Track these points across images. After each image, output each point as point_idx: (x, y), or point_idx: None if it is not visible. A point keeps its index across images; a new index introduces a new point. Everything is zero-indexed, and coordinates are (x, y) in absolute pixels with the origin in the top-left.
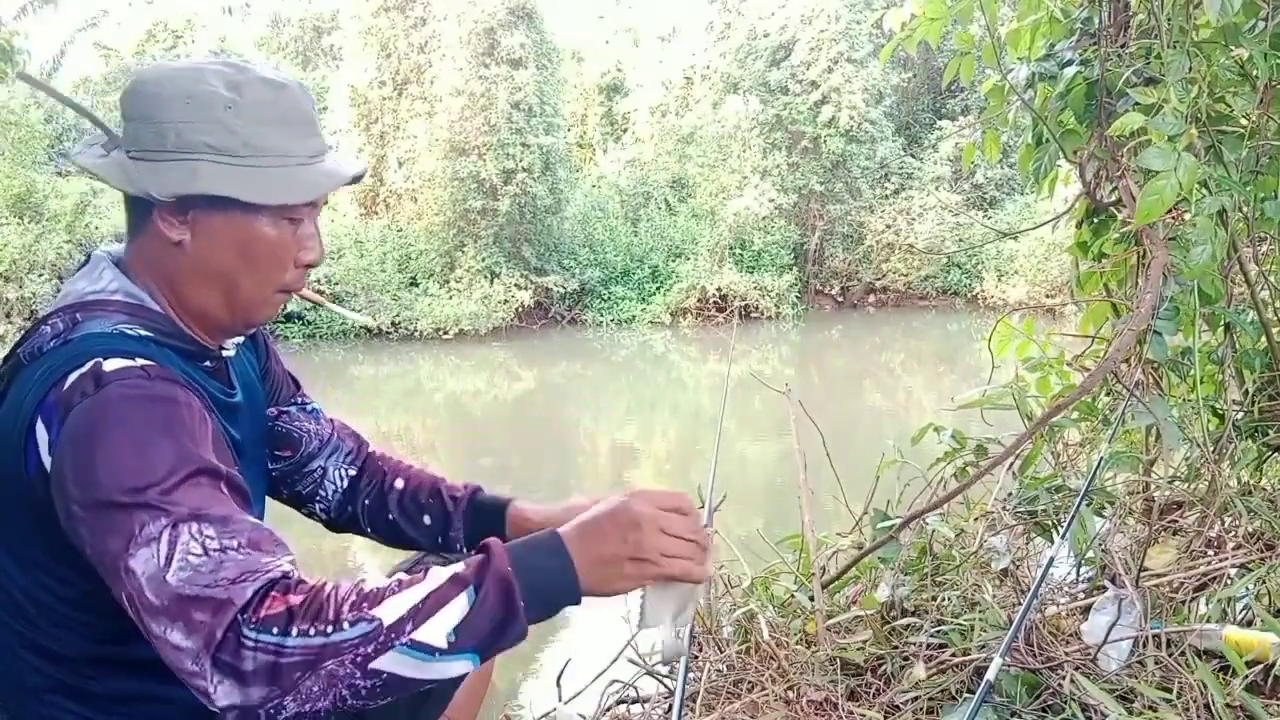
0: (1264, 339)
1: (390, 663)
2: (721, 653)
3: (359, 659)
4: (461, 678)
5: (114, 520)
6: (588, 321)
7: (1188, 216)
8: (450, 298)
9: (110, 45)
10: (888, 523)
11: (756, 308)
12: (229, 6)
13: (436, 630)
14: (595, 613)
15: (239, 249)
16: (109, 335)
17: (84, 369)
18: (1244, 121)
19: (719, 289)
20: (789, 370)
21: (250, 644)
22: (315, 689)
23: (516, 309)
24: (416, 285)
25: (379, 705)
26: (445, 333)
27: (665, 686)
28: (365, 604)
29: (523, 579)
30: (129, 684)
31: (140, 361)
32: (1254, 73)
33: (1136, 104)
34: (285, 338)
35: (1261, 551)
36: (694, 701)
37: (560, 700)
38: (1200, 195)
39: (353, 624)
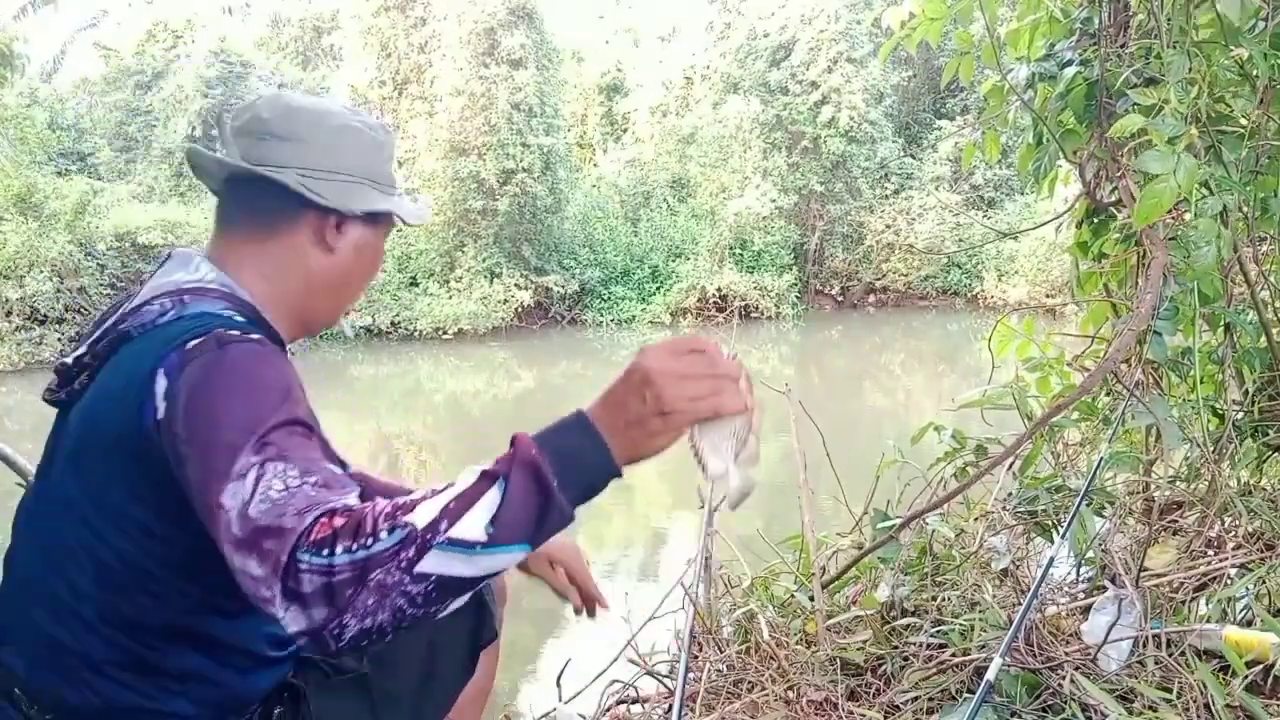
0: (1264, 339)
1: (434, 563)
2: (721, 653)
3: (403, 564)
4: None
5: (215, 459)
6: (588, 321)
7: (1188, 217)
8: (450, 298)
9: (110, 45)
10: (888, 523)
11: (756, 308)
12: (229, 6)
13: (473, 525)
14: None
15: (370, 261)
16: (220, 314)
17: (205, 336)
18: (1244, 121)
19: (719, 289)
20: (789, 370)
21: (305, 567)
22: (370, 602)
23: (516, 309)
24: (416, 285)
25: (444, 612)
26: (445, 333)
27: (665, 686)
28: (399, 513)
29: (552, 460)
30: (193, 661)
31: (255, 335)
32: (1254, 73)
33: (1136, 104)
34: None
35: (1261, 551)
36: (694, 701)
37: (560, 700)
38: (1201, 196)
39: (389, 532)
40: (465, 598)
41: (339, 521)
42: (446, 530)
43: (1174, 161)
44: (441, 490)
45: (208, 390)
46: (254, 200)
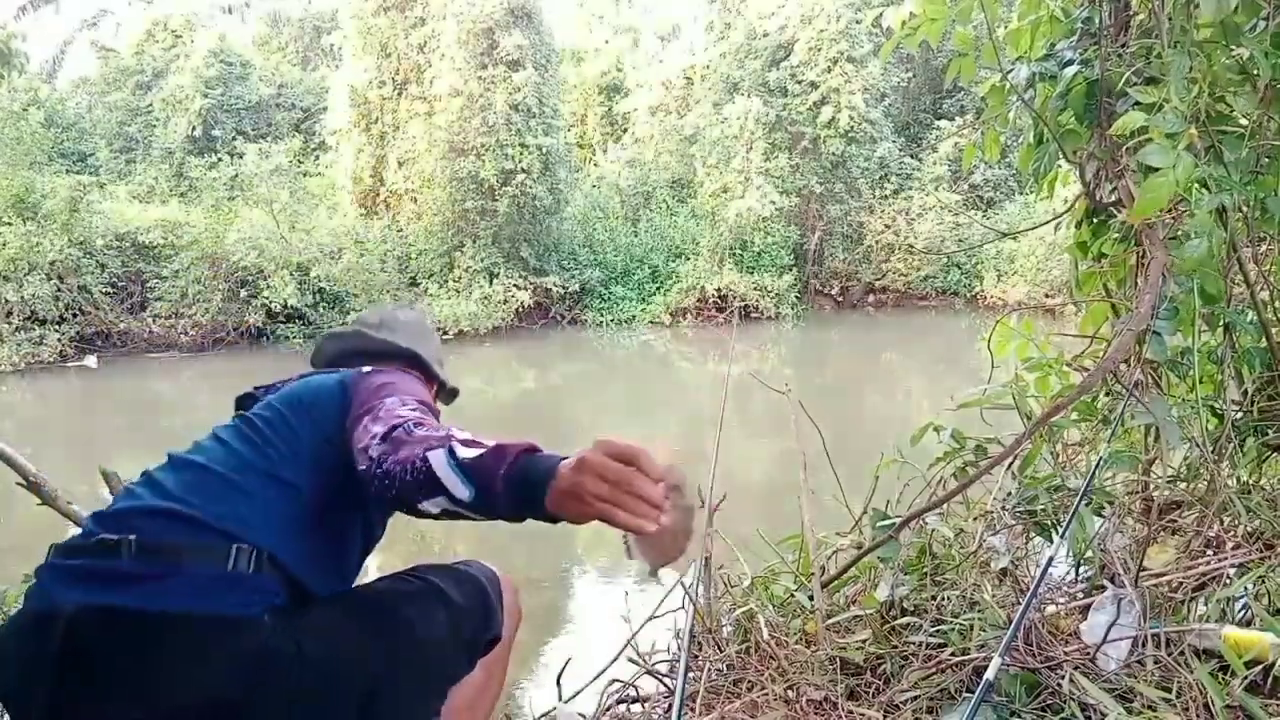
0: (1264, 339)
1: (436, 457)
2: (721, 652)
3: (428, 445)
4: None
5: (390, 392)
6: (588, 321)
7: (1187, 216)
8: (449, 298)
9: (109, 45)
10: (887, 522)
11: (756, 308)
12: (229, 6)
13: (463, 452)
14: (595, 613)
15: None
16: None
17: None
18: (1244, 121)
19: (719, 289)
20: (789, 370)
21: (402, 429)
22: (403, 454)
23: (516, 309)
24: (416, 285)
25: (420, 497)
26: (445, 333)
27: (665, 686)
28: (451, 429)
29: (516, 468)
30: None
31: None
32: (1254, 72)
33: (1137, 103)
34: (286, 338)
35: (1261, 551)
36: (694, 701)
37: (560, 699)
38: (1199, 195)
39: (437, 430)
40: (437, 500)
41: (434, 421)
42: (455, 445)
43: (1174, 157)
44: (475, 440)
45: (398, 380)
46: (392, 367)
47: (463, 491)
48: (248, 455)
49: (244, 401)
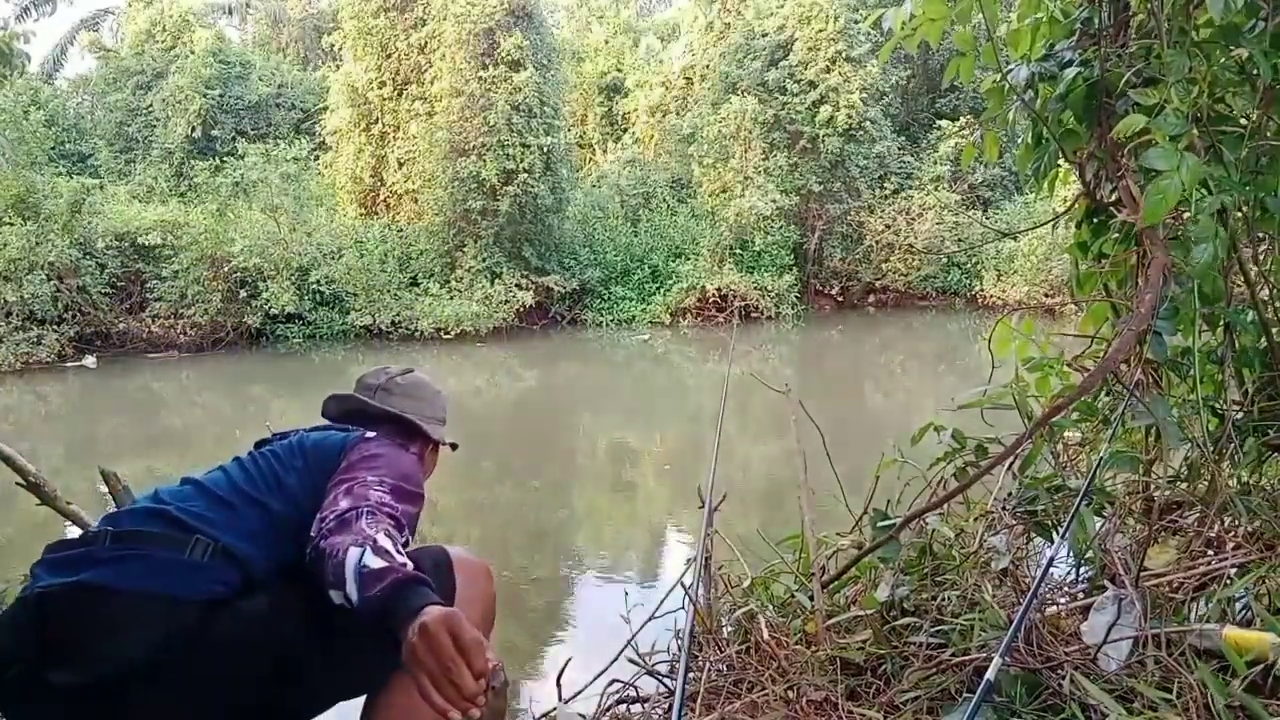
0: (1264, 339)
1: (352, 554)
2: (721, 652)
3: (355, 541)
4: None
5: (373, 468)
6: (588, 321)
7: (1187, 216)
8: (451, 298)
9: (108, 45)
10: (887, 522)
11: (756, 308)
12: (229, 6)
13: (370, 561)
14: (595, 613)
15: (431, 470)
16: None
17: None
18: (1244, 121)
19: (719, 289)
20: (789, 370)
21: (358, 514)
22: (335, 539)
23: (517, 309)
24: (417, 285)
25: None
26: (446, 333)
27: (665, 686)
28: (384, 530)
29: (388, 595)
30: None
31: None
32: (1254, 72)
33: (1137, 104)
34: (285, 338)
35: (1261, 551)
36: (694, 701)
37: (560, 700)
38: (1200, 195)
39: (372, 525)
40: (338, 582)
41: (388, 520)
42: (369, 551)
43: (1178, 159)
44: (399, 550)
45: (394, 457)
46: (390, 430)
47: (351, 594)
48: (239, 481)
49: (260, 444)
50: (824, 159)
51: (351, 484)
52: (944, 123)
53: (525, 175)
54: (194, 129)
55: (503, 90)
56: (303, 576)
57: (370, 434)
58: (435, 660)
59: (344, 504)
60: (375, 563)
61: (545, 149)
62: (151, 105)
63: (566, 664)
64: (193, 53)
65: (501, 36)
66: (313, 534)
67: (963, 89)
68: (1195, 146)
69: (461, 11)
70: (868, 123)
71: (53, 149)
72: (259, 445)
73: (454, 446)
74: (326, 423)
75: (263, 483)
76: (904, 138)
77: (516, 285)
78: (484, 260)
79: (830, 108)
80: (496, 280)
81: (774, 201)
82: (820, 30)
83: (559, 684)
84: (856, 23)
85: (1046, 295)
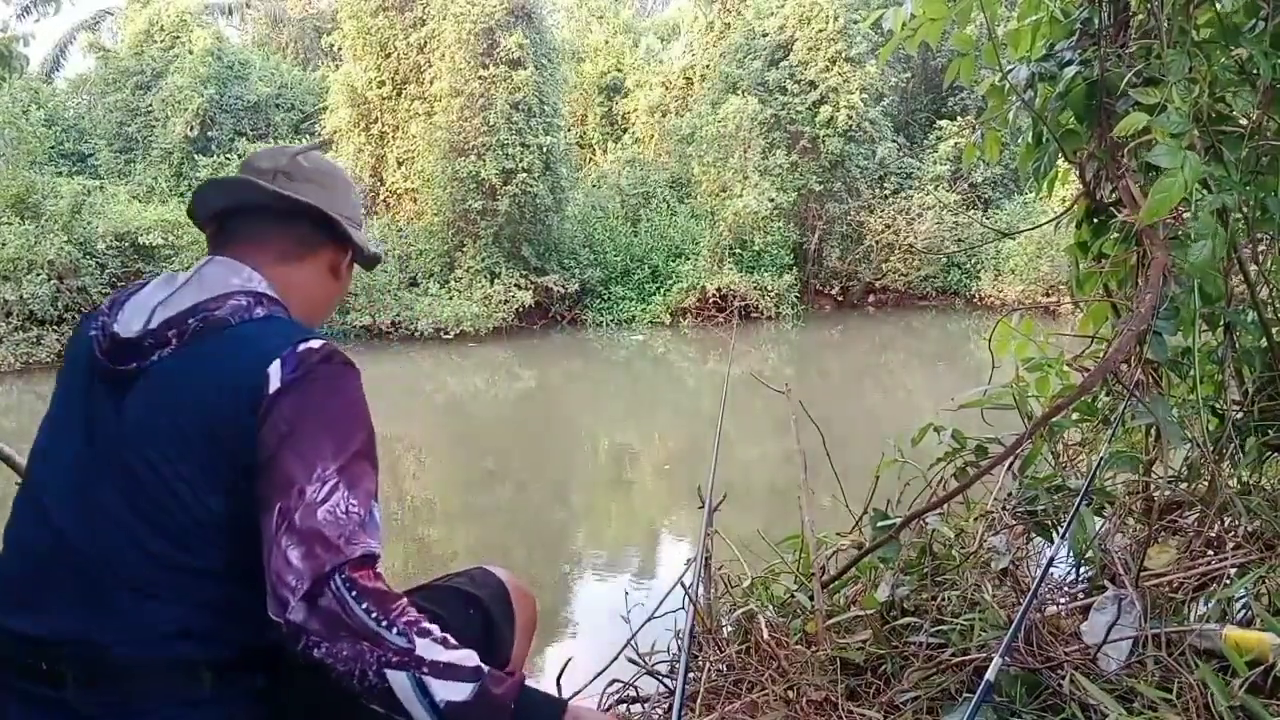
0: (1264, 338)
1: (397, 680)
2: (721, 652)
3: (384, 659)
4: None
5: (305, 455)
6: (588, 322)
7: (1186, 216)
8: (451, 298)
9: (107, 45)
10: (887, 523)
11: (756, 308)
12: (228, 6)
13: (442, 690)
14: (595, 613)
15: (345, 291)
16: (300, 325)
17: (316, 345)
18: (1244, 121)
19: (719, 289)
20: (789, 370)
21: (333, 590)
22: (344, 653)
23: (517, 309)
24: (417, 285)
25: (367, 702)
26: (446, 333)
27: (665, 686)
28: (416, 630)
29: (521, 709)
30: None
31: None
32: (1254, 72)
33: (1138, 104)
34: None
35: (1261, 551)
36: (694, 701)
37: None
38: (1200, 195)
39: (400, 633)
40: (385, 712)
41: (378, 584)
42: (426, 674)
43: (1181, 157)
44: (452, 646)
45: (324, 389)
46: (288, 230)
47: None
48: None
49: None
50: (824, 159)
51: (293, 514)
52: (944, 123)
53: (524, 175)
54: (193, 129)
55: (502, 89)
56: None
57: (290, 347)
58: None
59: (302, 569)
60: (448, 693)
61: (545, 148)
62: (151, 105)
63: (566, 664)
64: (191, 53)
65: (502, 36)
66: (282, 623)
67: (962, 89)
68: (1195, 146)
69: (461, 11)
70: (867, 123)
71: (53, 149)
72: (117, 360)
73: (377, 259)
74: (183, 281)
75: (140, 525)
76: (903, 138)
77: (516, 285)
78: (482, 260)
79: (830, 108)
80: (496, 280)
81: (771, 200)
82: (820, 30)
83: (559, 684)
84: (856, 23)
85: (1046, 295)
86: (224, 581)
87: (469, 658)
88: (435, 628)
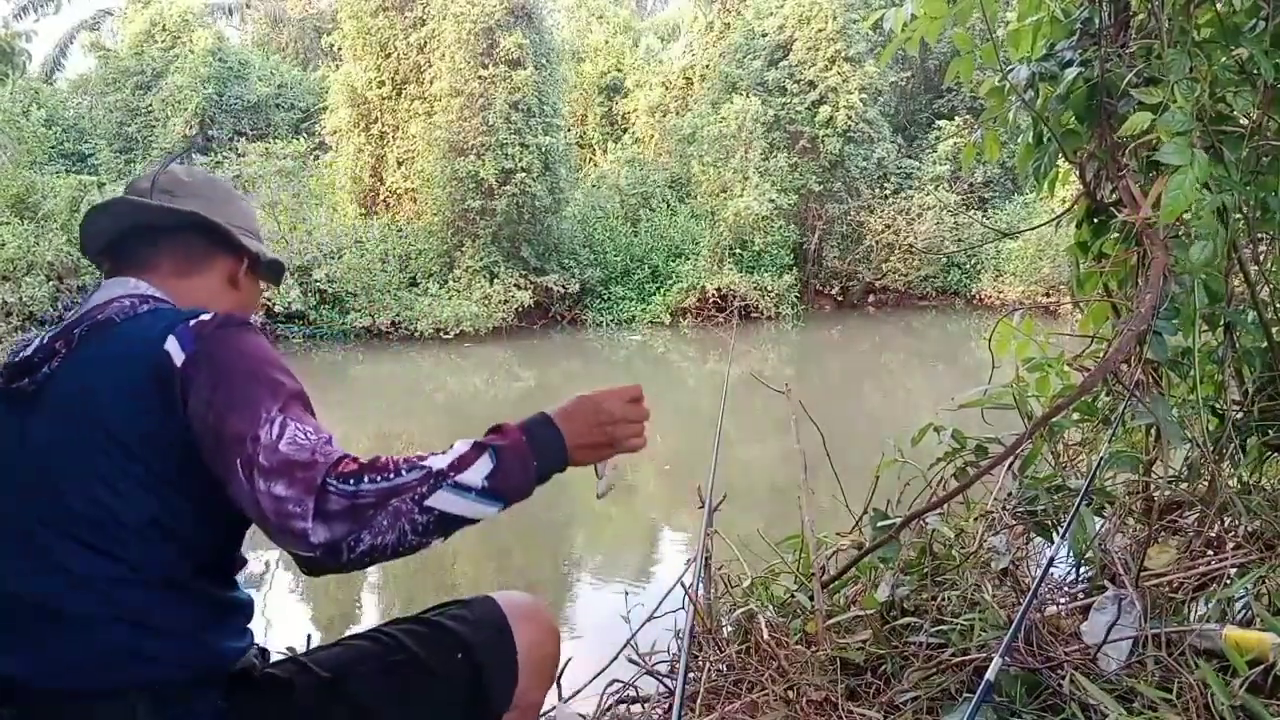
0: (1264, 338)
1: (440, 500)
2: (721, 653)
3: (417, 496)
4: None
5: (247, 403)
6: (588, 322)
7: (1187, 216)
8: (450, 298)
9: (108, 45)
10: (887, 523)
11: (756, 308)
12: (229, 6)
13: (473, 476)
14: (595, 613)
15: (253, 301)
16: (189, 310)
17: (208, 316)
18: (1244, 121)
19: (719, 289)
20: (788, 370)
21: (334, 491)
22: (384, 523)
23: (516, 309)
24: (416, 285)
25: (436, 542)
26: (445, 333)
27: (665, 686)
28: (416, 459)
29: (533, 443)
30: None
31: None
32: (1255, 72)
33: (1139, 104)
34: (285, 338)
35: (1261, 551)
36: (694, 701)
37: (560, 699)
38: (1201, 195)
39: (409, 470)
40: (451, 534)
41: (362, 460)
42: (454, 475)
43: (1190, 154)
44: (446, 451)
45: (234, 349)
46: (176, 245)
47: (490, 511)
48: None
49: (19, 371)
50: (824, 159)
51: (256, 464)
52: (943, 123)
53: (523, 175)
54: (192, 129)
55: (502, 89)
56: None
57: (180, 324)
58: (628, 420)
59: (291, 490)
60: (477, 474)
61: (544, 149)
62: (151, 105)
63: (566, 664)
64: (192, 52)
65: (501, 36)
66: (312, 553)
67: (961, 89)
68: (1196, 145)
69: (461, 11)
70: (866, 123)
71: (53, 149)
72: (17, 380)
73: (277, 267)
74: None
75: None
76: (903, 138)
77: (515, 285)
78: (481, 260)
79: (829, 108)
80: (495, 280)
81: (772, 201)
82: (819, 30)
83: (559, 684)
84: (855, 22)
85: (1045, 295)
86: (161, 592)
87: (465, 444)
88: (421, 452)
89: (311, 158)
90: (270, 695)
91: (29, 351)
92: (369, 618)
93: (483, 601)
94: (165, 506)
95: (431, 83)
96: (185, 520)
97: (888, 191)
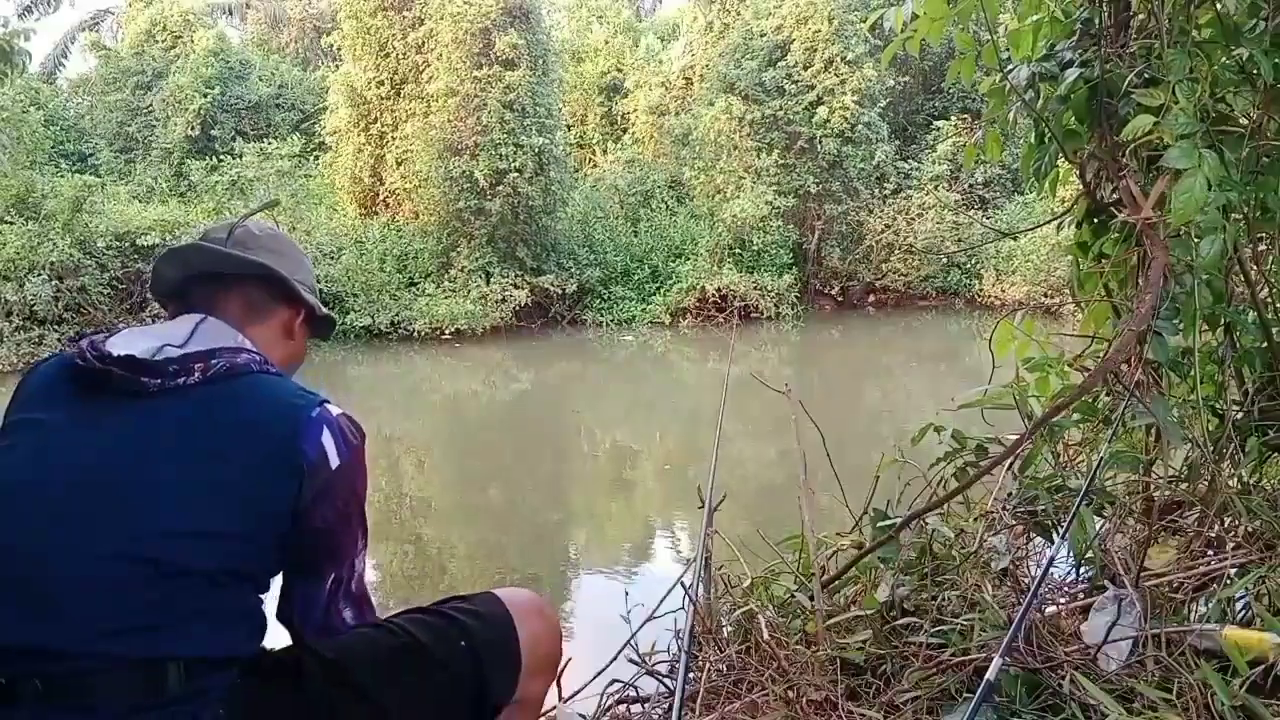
0: (1264, 339)
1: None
2: (721, 653)
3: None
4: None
5: (354, 532)
6: (588, 322)
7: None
8: (446, 298)
9: (108, 45)
10: (887, 523)
11: (756, 308)
12: (229, 6)
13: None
14: (595, 613)
15: (302, 352)
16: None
17: (346, 419)
18: (1244, 121)
19: (719, 289)
20: (789, 370)
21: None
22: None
23: (515, 309)
24: (415, 285)
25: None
26: (443, 333)
27: (665, 686)
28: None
29: None
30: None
31: None
32: (1255, 72)
33: (1139, 105)
34: None
35: (1261, 551)
36: (694, 701)
37: (560, 699)
38: (1204, 195)
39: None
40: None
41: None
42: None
43: (1197, 156)
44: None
45: (363, 475)
46: (244, 292)
47: None
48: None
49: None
50: (821, 159)
51: (346, 587)
52: (940, 123)
53: (516, 175)
54: (194, 129)
55: (496, 89)
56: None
57: (322, 412)
58: None
59: (349, 623)
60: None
61: (538, 150)
62: (151, 105)
63: (566, 664)
64: (193, 53)
65: (497, 36)
66: (320, 637)
67: (959, 88)
68: (1200, 147)
69: (458, 11)
70: (864, 125)
71: (53, 149)
72: (140, 376)
73: (330, 322)
74: (181, 339)
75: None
76: (901, 138)
77: (513, 285)
78: (476, 260)
79: (826, 108)
80: (491, 280)
81: (769, 202)
82: (817, 31)
83: (559, 684)
84: (852, 23)
85: (1046, 295)
86: (208, 586)
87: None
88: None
89: (311, 158)
90: (278, 678)
91: (153, 357)
92: None
93: (485, 596)
94: (249, 525)
95: (429, 83)
96: (257, 541)
97: (887, 191)
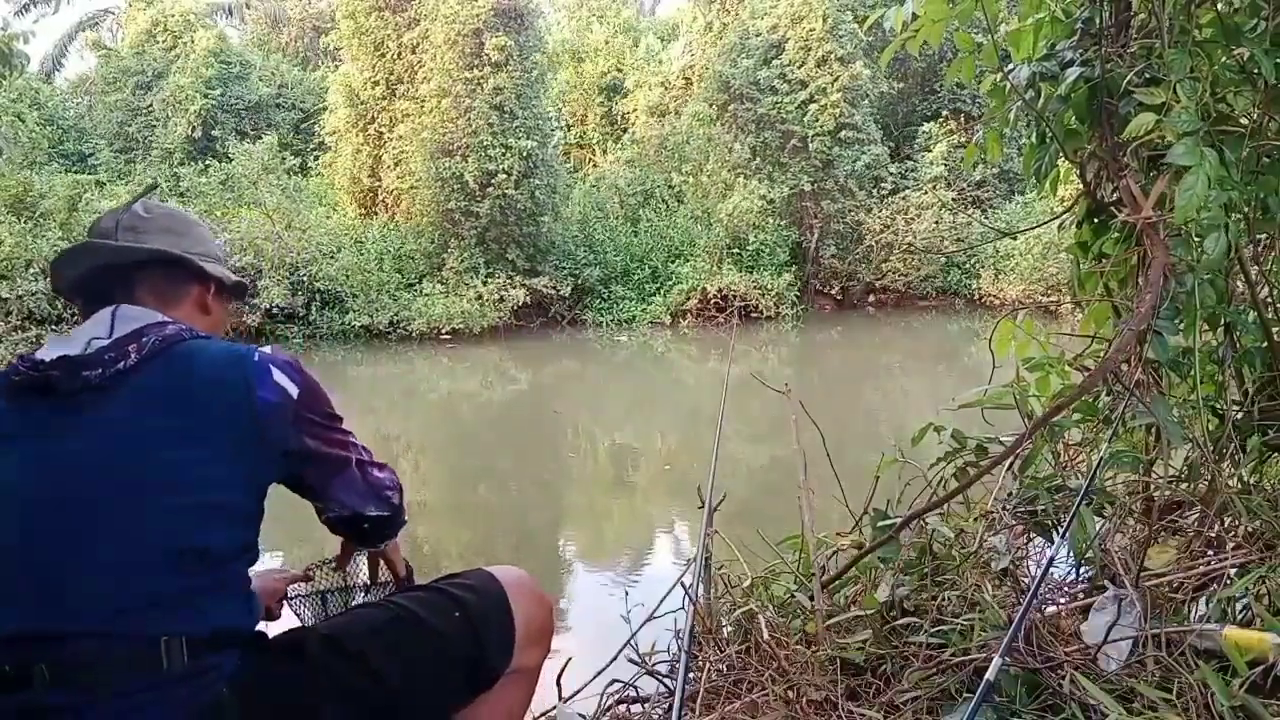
0: (1264, 338)
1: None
2: (721, 653)
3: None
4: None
5: (340, 427)
6: (588, 322)
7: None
8: (443, 298)
9: (109, 45)
10: (887, 523)
11: (756, 308)
12: (229, 6)
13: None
14: (595, 613)
15: (223, 321)
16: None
17: (279, 350)
18: (1244, 121)
19: (719, 289)
20: (788, 370)
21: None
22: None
23: (513, 308)
24: (413, 286)
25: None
26: (441, 333)
27: (665, 686)
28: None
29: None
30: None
31: None
32: (1256, 72)
33: (1141, 104)
34: (285, 338)
35: (1261, 551)
36: (694, 701)
37: (560, 699)
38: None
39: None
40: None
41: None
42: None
43: (1200, 154)
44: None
45: (316, 389)
46: (149, 279)
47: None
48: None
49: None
50: (815, 158)
51: (359, 457)
52: (933, 125)
53: (504, 177)
54: (194, 129)
55: (484, 90)
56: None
57: (265, 355)
58: None
59: (390, 480)
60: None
61: (525, 153)
62: (151, 105)
63: (566, 664)
64: (193, 53)
65: (489, 37)
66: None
67: (950, 90)
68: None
69: (451, 12)
70: (852, 127)
71: (53, 149)
72: (83, 373)
73: (241, 287)
74: (92, 332)
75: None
76: (897, 139)
77: (507, 286)
78: (465, 262)
79: (819, 107)
80: (489, 281)
81: (762, 196)
82: (811, 30)
83: (559, 684)
84: (846, 23)
85: (1045, 294)
86: (213, 563)
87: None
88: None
89: (312, 157)
90: (280, 656)
91: (91, 350)
92: None
93: (478, 572)
94: (252, 488)
95: (423, 83)
96: (247, 507)
97: (885, 191)
